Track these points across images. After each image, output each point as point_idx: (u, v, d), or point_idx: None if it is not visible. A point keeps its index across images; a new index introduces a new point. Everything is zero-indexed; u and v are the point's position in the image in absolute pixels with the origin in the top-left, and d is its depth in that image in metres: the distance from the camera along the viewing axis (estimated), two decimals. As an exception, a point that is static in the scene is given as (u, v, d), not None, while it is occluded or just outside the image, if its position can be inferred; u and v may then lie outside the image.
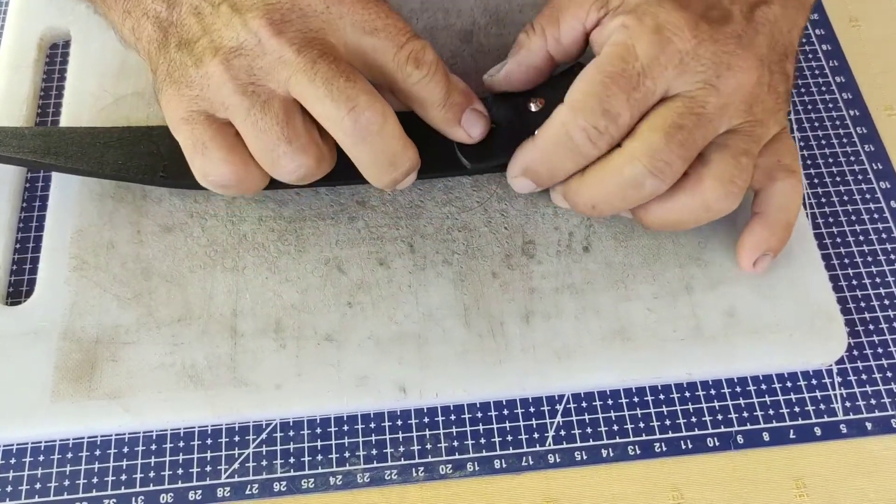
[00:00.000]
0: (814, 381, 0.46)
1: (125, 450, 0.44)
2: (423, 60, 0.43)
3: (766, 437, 0.45)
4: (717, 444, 0.45)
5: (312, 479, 0.44)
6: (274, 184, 0.45)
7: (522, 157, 0.45)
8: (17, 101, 0.53)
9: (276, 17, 0.41)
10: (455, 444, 0.45)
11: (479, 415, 0.45)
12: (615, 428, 0.45)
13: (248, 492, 0.44)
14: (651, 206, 0.44)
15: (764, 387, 0.46)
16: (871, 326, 0.48)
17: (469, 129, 0.46)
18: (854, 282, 0.49)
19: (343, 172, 0.45)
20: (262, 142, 0.41)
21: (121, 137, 0.48)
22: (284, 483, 0.44)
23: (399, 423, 0.45)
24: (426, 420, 0.45)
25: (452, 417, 0.45)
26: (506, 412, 0.45)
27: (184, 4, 0.42)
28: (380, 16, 0.42)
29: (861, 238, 0.50)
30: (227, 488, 0.44)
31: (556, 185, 0.46)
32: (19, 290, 0.48)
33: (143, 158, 0.47)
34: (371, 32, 0.42)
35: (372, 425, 0.45)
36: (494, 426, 0.45)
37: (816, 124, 0.54)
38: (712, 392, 0.46)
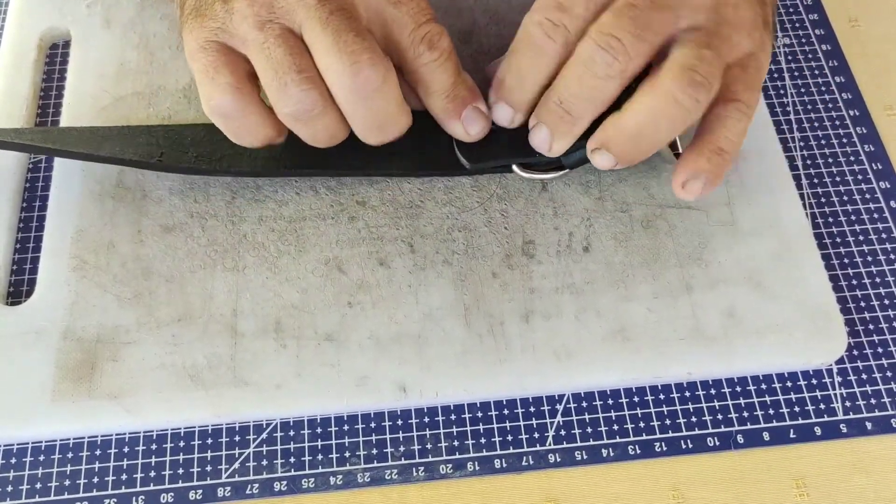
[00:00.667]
0: (814, 381, 0.46)
1: (125, 449, 0.44)
2: (437, 45, 0.43)
3: (766, 436, 0.45)
4: (717, 443, 0.45)
5: (313, 479, 0.44)
6: (273, 166, 0.47)
7: (497, 74, 0.46)
8: (17, 101, 0.53)
9: None
10: (455, 443, 0.45)
11: (480, 414, 0.45)
12: (615, 427, 0.45)
13: (248, 491, 0.44)
14: (621, 116, 0.43)
15: (764, 386, 0.46)
16: (871, 326, 0.48)
17: (468, 125, 0.46)
18: (854, 281, 0.49)
19: (338, 160, 0.46)
20: (272, 70, 0.41)
21: (120, 133, 0.48)
22: (285, 483, 0.44)
23: (399, 422, 0.45)
24: (426, 420, 0.45)
25: (452, 417, 0.45)
26: (506, 412, 0.46)
27: None
28: None
29: (861, 238, 0.50)
30: (228, 488, 0.44)
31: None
32: (20, 290, 0.48)
33: (140, 147, 0.47)
34: (394, 3, 0.42)
35: (372, 425, 0.45)
36: (495, 426, 0.45)
37: (816, 124, 0.54)
38: (712, 392, 0.46)
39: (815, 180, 0.52)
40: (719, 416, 0.46)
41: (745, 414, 0.46)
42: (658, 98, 0.41)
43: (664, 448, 0.45)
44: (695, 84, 0.41)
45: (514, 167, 0.48)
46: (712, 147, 0.44)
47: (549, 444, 0.45)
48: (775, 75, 0.56)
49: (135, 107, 0.52)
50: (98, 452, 0.44)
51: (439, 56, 0.43)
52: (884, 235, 0.50)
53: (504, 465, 0.44)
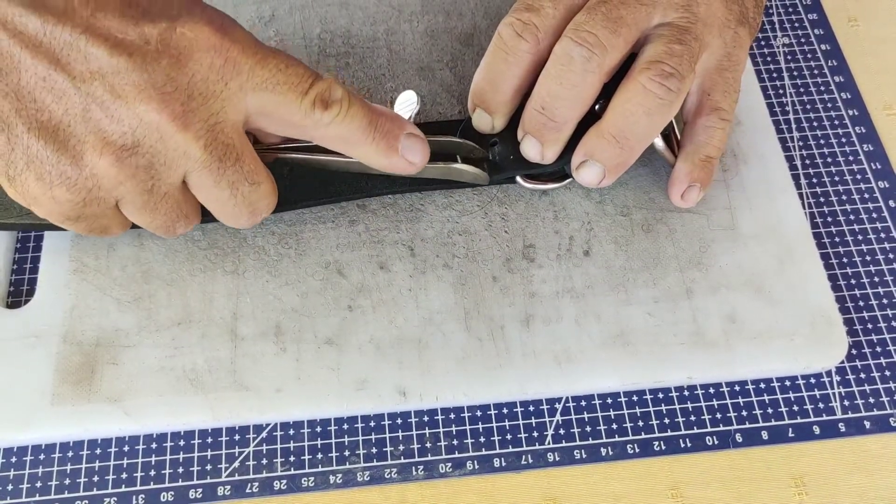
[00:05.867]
0: (812, 381, 0.46)
1: (125, 448, 0.45)
2: (331, 99, 0.40)
3: (764, 435, 0.45)
4: (716, 442, 0.45)
5: (312, 478, 0.44)
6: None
7: (473, 80, 0.46)
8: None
9: (178, 109, 0.37)
10: (455, 442, 0.45)
11: (479, 414, 0.45)
12: (614, 427, 0.45)
13: (248, 490, 0.44)
14: (600, 121, 0.44)
15: (762, 386, 0.46)
16: (870, 326, 0.48)
17: (408, 155, 0.43)
18: (853, 281, 0.49)
19: (343, 187, 0.46)
20: (156, 223, 0.42)
21: None
22: (284, 481, 0.44)
23: (399, 422, 0.45)
24: (426, 419, 0.45)
25: (452, 416, 0.45)
26: (505, 411, 0.46)
27: (24, 67, 0.35)
28: (279, 69, 0.39)
29: (860, 237, 0.50)
30: (228, 487, 0.44)
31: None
32: (20, 292, 0.48)
33: None
34: (272, 89, 0.39)
35: (372, 424, 0.45)
36: (494, 425, 0.45)
37: (815, 124, 0.54)
38: (711, 391, 0.46)
39: (815, 180, 0.52)
40: (718, 416, 0.46)
41: (744, 413, 0.46)
42: (630, 91, 0.43)
43: (663, 447, 0.45)
44: (664, 74, 0.42)
45: (518, 178, 0.48)
46: (702, 157, 0.46)
47: (549, 443, 0.45)
48: (774, 75, 0.56)
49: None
50: (98, 451, 0.44)
51: (339, 109, 0.40)
52: (882, 235, 0.50)
53: (503, 463, 0.44)
